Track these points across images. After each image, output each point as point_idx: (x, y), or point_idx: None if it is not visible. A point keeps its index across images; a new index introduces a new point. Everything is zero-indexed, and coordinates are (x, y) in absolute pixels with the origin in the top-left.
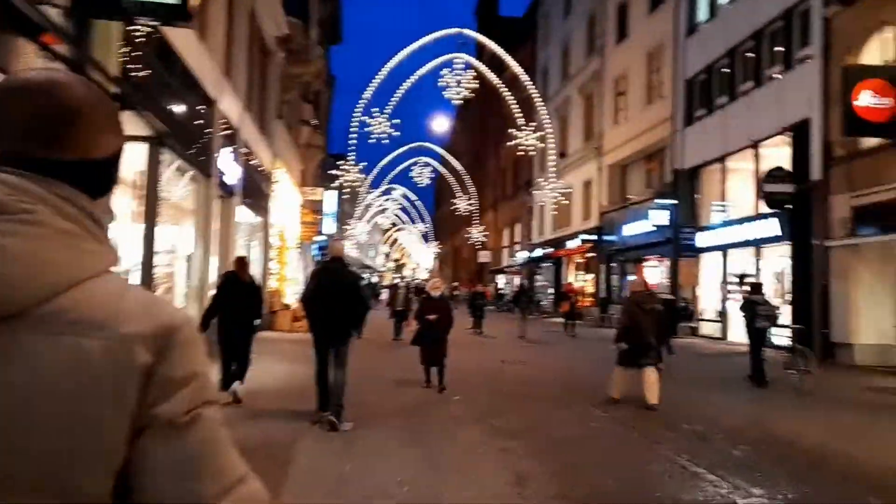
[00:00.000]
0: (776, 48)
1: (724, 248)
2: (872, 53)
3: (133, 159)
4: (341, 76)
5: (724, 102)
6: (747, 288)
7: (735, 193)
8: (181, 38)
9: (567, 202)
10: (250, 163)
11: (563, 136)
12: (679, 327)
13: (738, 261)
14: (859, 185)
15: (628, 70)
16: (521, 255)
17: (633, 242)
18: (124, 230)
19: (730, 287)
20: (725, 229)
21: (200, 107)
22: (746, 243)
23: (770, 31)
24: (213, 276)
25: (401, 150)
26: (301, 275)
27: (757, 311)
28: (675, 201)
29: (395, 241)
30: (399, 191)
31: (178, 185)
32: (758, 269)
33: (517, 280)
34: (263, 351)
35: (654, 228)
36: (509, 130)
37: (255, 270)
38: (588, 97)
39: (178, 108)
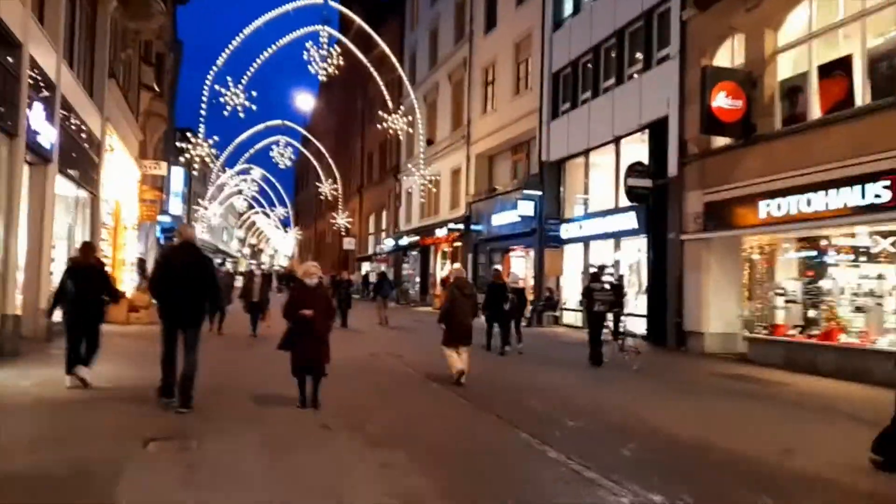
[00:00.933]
0: (637, 47)
1: (586, 240)
2: (724, 56)
3: None
4: (189, 42)
5: (587, 98)
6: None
7: (597, 187)
8: None
9: (435, 190)
10: (72, 125)
11: (432, 122)
12: (545, 316)
13: (598, 252)
14: (711, 183)
15: (496, 59)
16: (388, 243)
17: (500, 232)
18: None
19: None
20: (588, 221)
21: None
22: (606, 235)
23: (631, 31)
24: (21, 260)
25: (259, 127)
26: (143, 260)
27: (594, 296)
28: (541, 193)
29: (253, 224)
30: (257, 171)
31: None
32: (616, 261)
33: (382, 267)
34: None
35: (520, 219)
36: (378, 112)
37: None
38: (457, 84)
39: None
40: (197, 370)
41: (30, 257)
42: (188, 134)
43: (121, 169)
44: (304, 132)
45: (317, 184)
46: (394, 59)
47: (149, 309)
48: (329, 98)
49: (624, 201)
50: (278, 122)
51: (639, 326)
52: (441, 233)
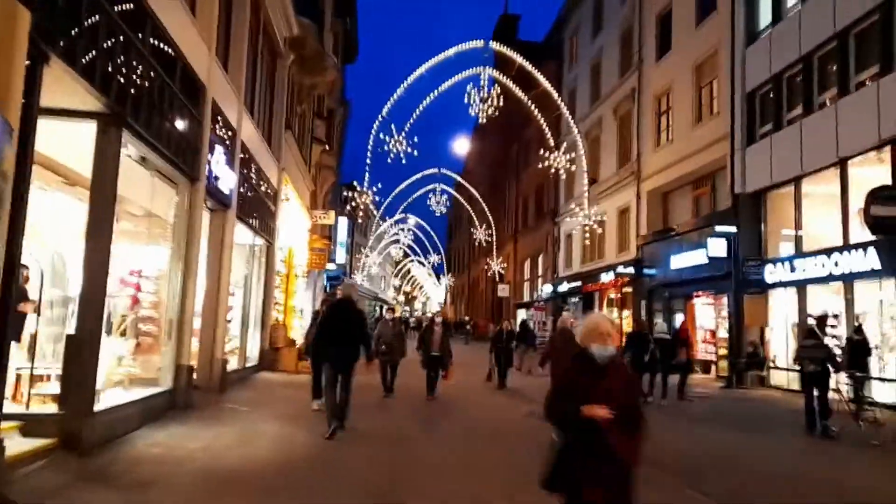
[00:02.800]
0: (868, 49)
1: (800, 284)
2: None
3: (77, 145)
4: (355, 101)
5: (796, 116)
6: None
7: (812, 220)
8: None
9: (600, 231)
10: (251, 172)
11: (594, 160)
12: (747, 376)
13: (818, 299)
14: None
15: (672, 86)
16: (546, 289)
17: (681, 277)
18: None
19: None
20: (802, 261)
21: (183, 88)
22: (831, 278)
23: (859, 31)
24: (198, 307)
25: (416, 176)
26: (309, 306)
27: (803, 353)
28: (736, 230)
29: (408, 272)
30: (412, 220)
31: (146, 187)
32: (849, 308)
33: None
34: (258, 401)
35: (708, 261)
36: (534, 155)
37: (256, 301)
38: (623, 118)
39: (149, 80)
40: (350, 401)
41: (207, 305)
42: (354, 183)
43: (294, 218)
44: (459, 178)
45: (471, 230)
46: (554, 94)
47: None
48: (483, 145)
49: (856, 236)
50: (434, 170)
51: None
52: (607, 278)
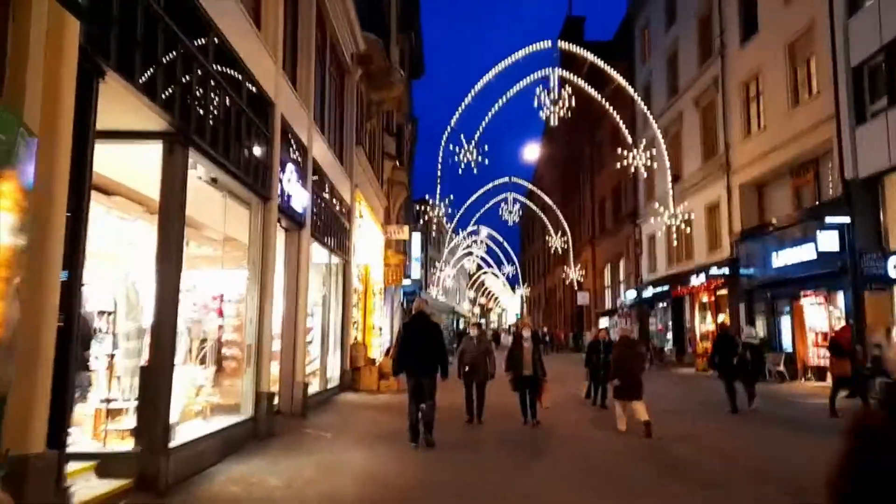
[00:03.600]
0: None
1: None
2: None
3: (142, 165)
4: (422, 121)
5: None
6: None
7: None
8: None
9: (689, 230)
10: (324, 190)
11: (676, 156)
12: (873, 384)
13: None
14: None
15: (761, 70)
16: (630, 295)
17: (784, 275)
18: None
19: None
20: None
21: (250, 104)
22: None
23: None
24: (277, 330)
25: (487, 186)
26: (387, 323)
27: None
28: (849, 220)
29: (482, 284)
30: (485, 231)
31: (219, 209)
32: None
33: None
34: (341, 425)
35: (817, 256)
36: (610, 155)
37: (335, 321)
38: (706, 109)
39: (214, 96)
40: (435, 411)
41: (286, 327)
42: (427, 197)
43: (368, 234)
44: (530, 186)
45: (547, 237)
46: (630, 90)
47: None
48: (553, 150)
49: None
50: (505, 179)
51: None
52: (698, 280)
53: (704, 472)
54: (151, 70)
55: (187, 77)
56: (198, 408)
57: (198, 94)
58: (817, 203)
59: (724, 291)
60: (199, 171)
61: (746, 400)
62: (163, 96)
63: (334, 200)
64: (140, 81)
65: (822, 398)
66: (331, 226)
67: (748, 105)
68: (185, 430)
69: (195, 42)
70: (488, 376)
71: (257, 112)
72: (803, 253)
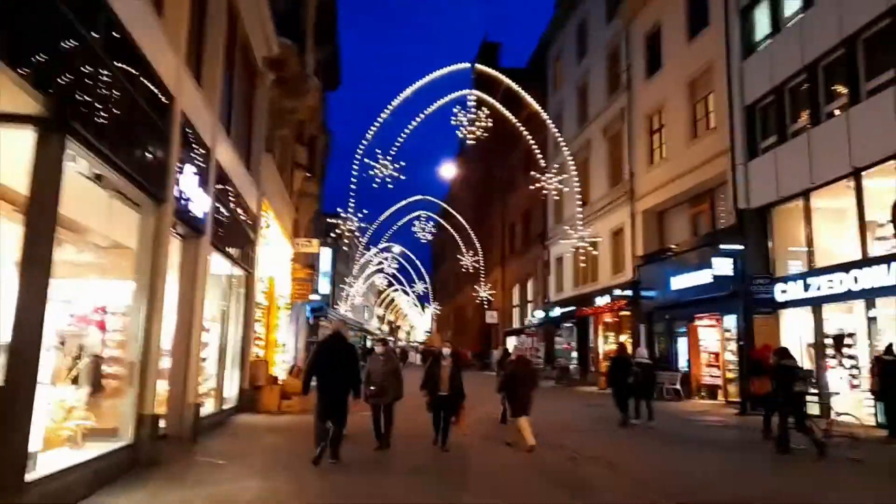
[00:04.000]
0: (881, 54)
1: (815, 302)
2: None
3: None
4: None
5: (801, 128)
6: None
7: (825, 235)
8: None
9: (596, 252)
10: (228, 197)
11: (584, 182)
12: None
13: (833, 318)
14: None
15: (664, 104)
16: (538, 315)
17: (683, 298)
18: None
19: (828, 351)
20: (816, 279)
21: (146, 95)
22: (850, 295)
23: (869, 36)
24: (166, 345)
25: (400, 203)
26: (292, 340)
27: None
28: (742, 247)
29: (392, 301)
30: (397, 248)
31: (105, 211)
32: (871, 326)
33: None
34: (236, 451)
35: (713, 280)
36: (520, 180)
37: (235, 336)
38: (613, 138)
39: (102, 82)
40: (341, 435)
41: (178, 342)
42: (339, 210)
43: (275, 247)
44: (444, 205)
45: (458, 256)
46: (543, 113)
47: (301, 396)
48: (467, 172)
49: (876, 250)
50: (419, 196)
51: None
52: (602, 301)
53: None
54: (19, 38)
55: (68, 55)
56: (68, 433)
57: (81, 75)
58: (713, 230)
59: (626, 312)
60: (79, 166)
61: (646, 416)
62: (34, 73)
63: (239, 209)
64: (7, 52)
65: (713, 415)
66: (234, 235)
67: (651, 136)
68: (50, 459)
69: (81, 17)
70: (395, 397)
71: (154, 105)
72: (699, 277)
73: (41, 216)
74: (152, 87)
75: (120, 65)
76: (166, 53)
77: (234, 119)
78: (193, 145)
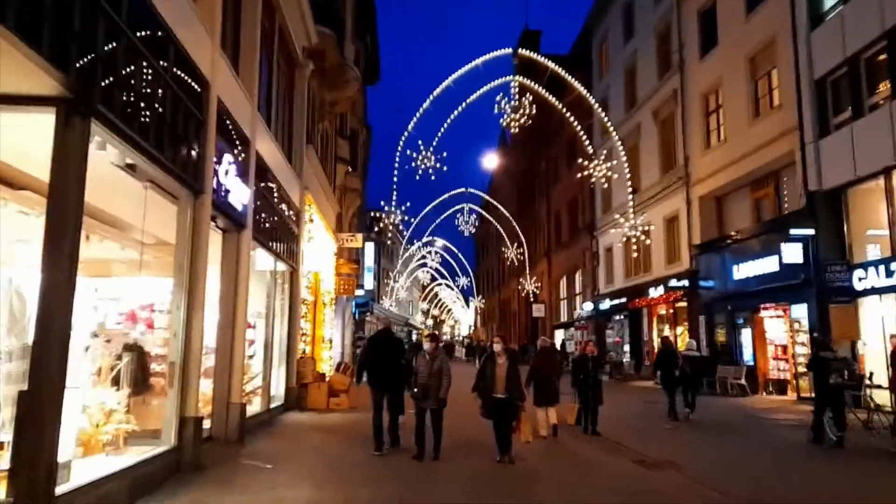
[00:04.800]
0: None
1: None
2: None
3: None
4: (376, 132)
5: (880, 101)
6: None
7: None
8: None
9: (649, 241)
10: (270, 189)
11: (634, 168)
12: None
13: None
14: None
15: (721, 83)
16: (587, 307)
17: (746, 287)
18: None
19: None
20: None
21: (179, 79)
22: None
23: None
24: (211, 343)
25: (443, 197)
26: (338, 336)
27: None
28: (813, 232)
29: (436, 296)
30: (440, 242)
31: (141, 203)
32: None
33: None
34: (284, 453)
35: (780, 268)
36: (575, 162)
37: (280, 333)
38: (665, 121)
39: (130, 60)
40: (398, 423)
41: (221, 340)
42: (382, 203)
43: (319, 241)
44: (487, 197)
45: (503, 249)
46: (589, 98)
47: (349, 393)
48: (510, 162)
49: None
50: (461, 189)
51: None
52: (656, 292)
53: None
54: (36, 10)
55: (91, 31)
56: (107, 437)
57: (106, 53)
58: (779, 215)
59: (683, 304)
60: (110, 154)
61: (691, 409)
62: (54, 49)
63: (282, 203)
64: (24, 28)
65: (784, 413)
66: (277, 229)
67: (708, 117)
68: (86, 467)
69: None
70: (440, 402)
71: (188, 91)
72: (765, 265)
73: (65, 207)
74: (185, 72)
75: (150, 45)
76: (200, 37)
77: (274, 110)
78: (231, 134)
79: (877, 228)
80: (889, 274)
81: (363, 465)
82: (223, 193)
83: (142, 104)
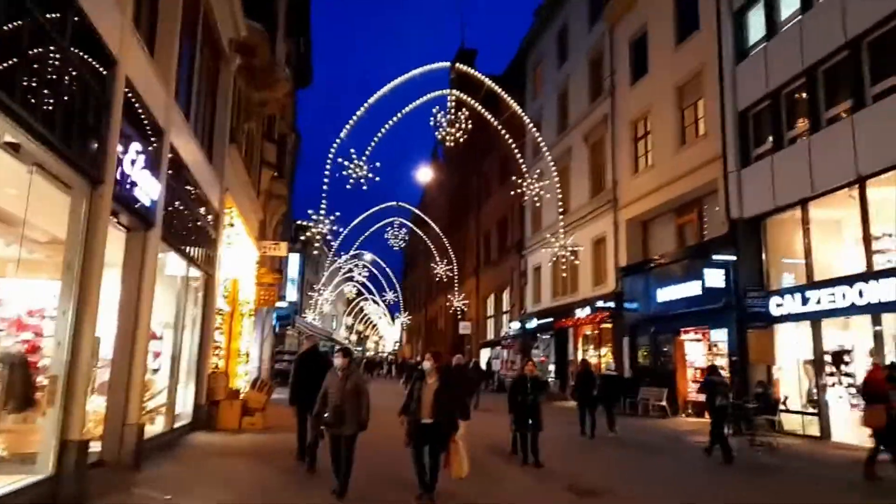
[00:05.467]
0: (888, 56)
1: (813, 317)
2: None
3: None
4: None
5: (799, 133)
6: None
7: (823, 247)
8: None
9: (577, 262)
10: (185, 186)
11: (564, 191)
12: (757, 421)
13: (831, 334)
14: None
15: (650, 110)
16: (514, 326)
17: (669, 311)
18: None
19: (828, 368)
20: (816, 292)
21: (82, 54)
22: (855, 309)
23: (875, 38)
24: (107, 354)
25: (372, 210)
26: (256, 350)
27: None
28: (734, 258)
29: (360, 311)
30: (368, 256)
31: (26, 192)
32: (877, 342)
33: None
34: (187, 481)
35: (702, 292)
36: (505, 181)
37: (191, 345)
38: (595, 145)
39: (21, 28)
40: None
41: (119, 352)
42: (310, 212)
43: (239, 248)
44: (418, 212)
45: (432, 265)
46: (524, 116)
47: (264, 411)
48: (442, 178)
49: (881, 263)
50: (392, 203)
51: None
52: (583, 313)
53: None
54: None
55: None
56: None
57: None
58: (701, 241)
59: (608, 325)
60: None
61: (607, 426)
62: None
63: (199, 204)
64: None
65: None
66: (192, 231)
67: (636, 143)
68: None
69: None
70: (358, 426)
71: (89, 66)
72: (687, 289)
73: None
74: (87, 43)
75: (43, 7)
76: (107, 6)
77: (194, 103)
78: (142, 121)
79: (792, 257)
80: (804, 301)
81: (274, 496)
82: (128, 186)
83: (29, 71)
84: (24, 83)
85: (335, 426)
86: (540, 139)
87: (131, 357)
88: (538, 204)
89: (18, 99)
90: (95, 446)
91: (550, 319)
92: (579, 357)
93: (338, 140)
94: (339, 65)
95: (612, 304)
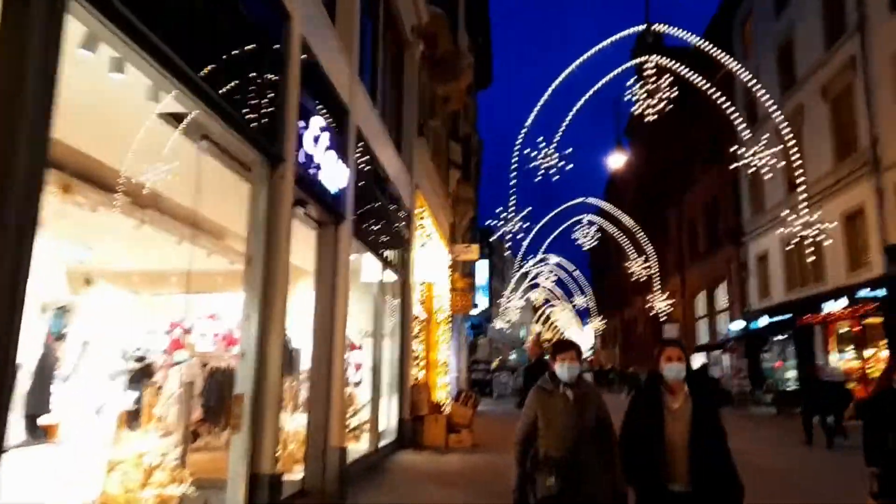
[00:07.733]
0: None
1: None
2: None
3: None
4: (486, 144)
5: None
6: None
7: None
8: None
9: (830, 241)
10: (376, 178)
11: (791, 160)
12: None
13: None
14: None
15: None
16: (735, 326)
17: None
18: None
19: None
20: None
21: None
22: None
23: None
24: (305, 365)
25: (559, 209)
26: (453, 359)
27: None
28: None
29: (548, 318)
30: (553, 260)
31: (195, 174)
32: None
33: (726, 359)
34: None
35: None
36: (732, 149)
37: (391, 356)
38: (838, 99)
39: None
40: None
41: (316, 366)
42: (497, 210)
43: (432, 251)
44: (608, 206)
45: (625, 264)
46: (744, 75)
47: (471, 428)
48: (632, 165)
49: None
50: (581, 199)
51: None
52: (835, 306)
53: None
54: None
55: None
56: None
57: None
58: None
59: (876, 318)
60: (138, 86)
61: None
62: None
63: (390, 200)
64: None
65: None
66: (384, 230)
67: None
68: None
69: None
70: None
71: (257, 12)
72: None
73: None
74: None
75: None
76: None
77: (379, 87)
78: (324, 93)
79: None
80: None
81: None
82: (312, 168)
83: (187, 24)
84: (182, 31)
85: (567, 495)
86: (766, 97)
87: (329, 368)
88: (768, 176)
89: (183, 50)
90: (297, 474)
91: (788, 316)
92: (832, 361)
93: (524, 129)
94: (516, 70)
95: (882, 293)
